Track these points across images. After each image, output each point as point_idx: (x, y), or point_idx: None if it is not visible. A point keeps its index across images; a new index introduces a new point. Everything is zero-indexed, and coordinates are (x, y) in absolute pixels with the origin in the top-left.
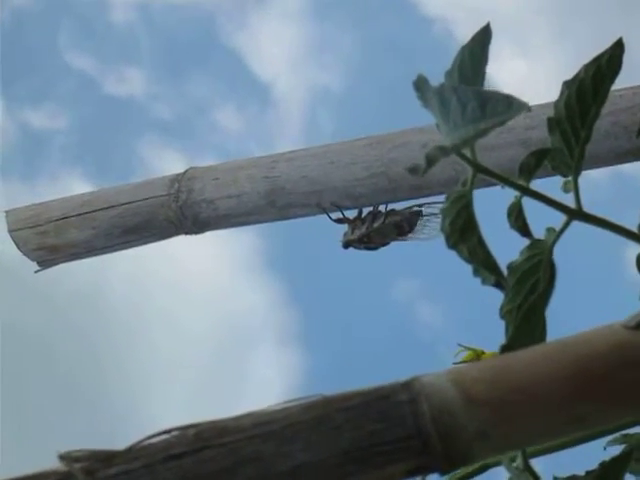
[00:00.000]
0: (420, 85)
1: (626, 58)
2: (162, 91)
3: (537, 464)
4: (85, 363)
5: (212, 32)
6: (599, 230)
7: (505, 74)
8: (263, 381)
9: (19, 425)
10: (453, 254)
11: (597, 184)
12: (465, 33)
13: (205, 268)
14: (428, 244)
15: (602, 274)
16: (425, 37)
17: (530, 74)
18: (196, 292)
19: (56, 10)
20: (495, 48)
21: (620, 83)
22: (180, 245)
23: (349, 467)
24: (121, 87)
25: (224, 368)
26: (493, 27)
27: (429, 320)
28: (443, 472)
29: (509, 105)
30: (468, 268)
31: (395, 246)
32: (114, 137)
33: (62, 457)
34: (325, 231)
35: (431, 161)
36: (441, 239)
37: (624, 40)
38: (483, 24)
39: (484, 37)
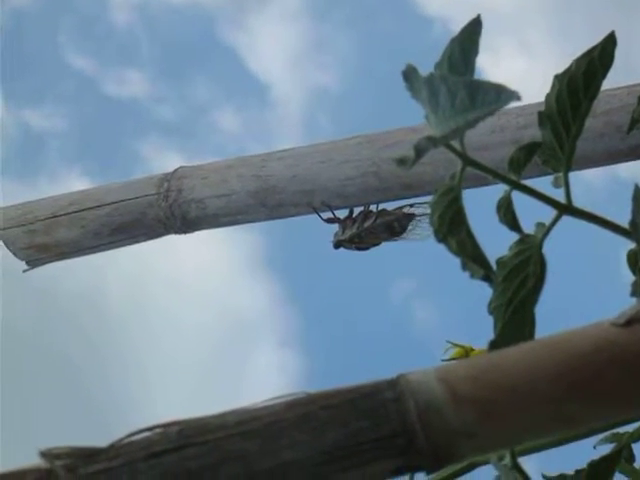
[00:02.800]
0: (409, 75)
1: (622, 57)
2: (161, 91)
3: (526, 462)
4: (85, 360)
5: (211, 32)
6: (594, 228)
7: (504, 72)
8: (261, 379)
9: (18, 423)
10: (449, 254)
11: (594, 187)
12: None
13: (205, 266)
14: (425, 244)
15: (596, 271)
16: (424, 36)
17: (529, 72)
18: (196, 290)
19: (56, 10)
20: (494, 46)
21: (616, 82)
22: (180, 242)
23: (333, 465)
24: (120, 87)
25: (223, 366)
26: (493, 26)
27: (427, 320)
28: (429, 470)
29: (499, 95)
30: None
31: (392, 246)
32: (113, 137)
33: (43, 454)
34: (323, 231)
35: (420, 152)
36: (433, 239)
37: (622, 39)
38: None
39: (474, 29)
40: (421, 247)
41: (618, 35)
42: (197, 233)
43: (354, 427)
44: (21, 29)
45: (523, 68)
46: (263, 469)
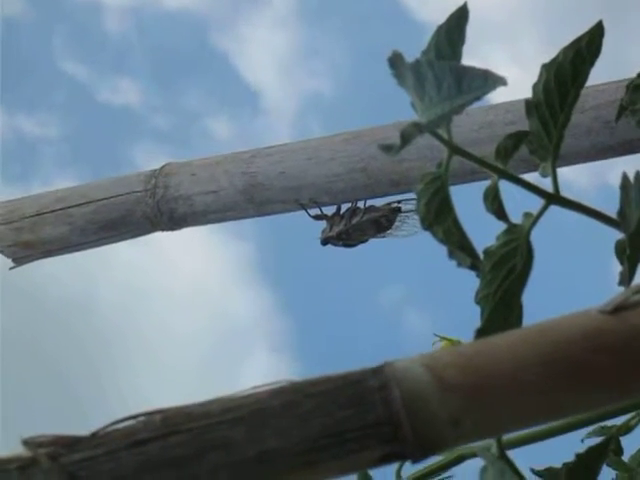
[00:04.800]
0: (395, 61)
1: (611, 55)
2: (154, 98)
3: (513, 456)
4: (75, 366)
5: (203, 40)
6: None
7: None
8: (252, 385)
9: (13, 430)
10: (438, 261)
11: (584, 194)
12: None
13: (197, 273)
14: (414, 251)
15: (586, 262)
16: (416, 42)
17: (520, 82)
18: (187, 297)
19: (49, 18)
20: (486, 54)
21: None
22: (171, 249)
23: (318, 453)
24: (113, 95)
25: (215, 372)
26: (485, 34)
27: (417, 325)
28: (415, 459)
29: (485, 80)
30: (455, 274)
31: (383, 252)
32: (106, 144)
33: (26, 442)
34: (314, 237)
35: (406, 138)
36: (422, 239)
37: (612, 41)
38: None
39: (461, 16)
40: (410, 253)
41: (608, 41)
42: (189, 241)
43: (339, 415)
44: (15, 37)
45: (515, 77)
46: (247, 457)
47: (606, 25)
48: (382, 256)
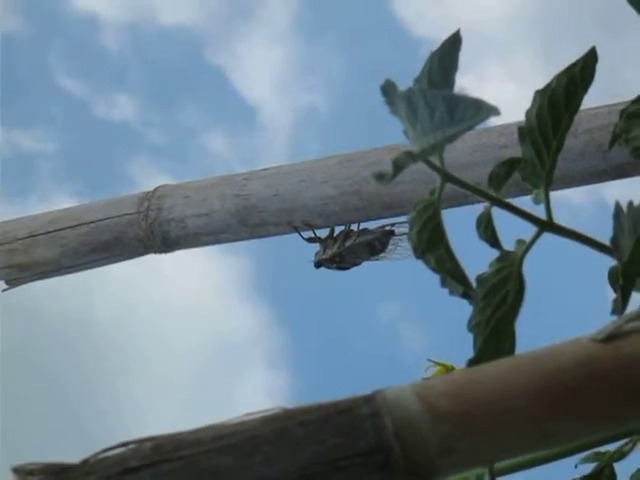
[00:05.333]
0: (388, 90)
1: (607, 77)
2: (151, 114)
3: None
4: (76, 381)
5: (200, 56)
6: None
7: (491, 96)
8: (250, 401)
9: (12, 445)
10: (434, 277)
11: (581, 214)
12: None
13: (193, 289)
14: (410, 267)
15: (580, 289)
16: (413, 58)
17: (516, 97)
18: (184, 312)
19: (47, 34)
20: (482, 69)
21: (600, 103)
22: (168, 265)
23: None
24: (111, 111)
25: (212, 388)
26: (481, 49)
27: (413, 341)
28: None
29: (478, 109)
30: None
31: (378, 269)
32: (103, 160)
33: (16, 470)
34: (310, 253)
35: (398, 167)
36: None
37: (607, 60)
38: (464, 36)
39: (454, 43)
40: (406, 270)
41: (603, 57)
42: (185, 255)
43: (330, 443)
44: (12, 53)
45: (510, 92)
46: None
47: (600, 43)
48: (378, 273)
